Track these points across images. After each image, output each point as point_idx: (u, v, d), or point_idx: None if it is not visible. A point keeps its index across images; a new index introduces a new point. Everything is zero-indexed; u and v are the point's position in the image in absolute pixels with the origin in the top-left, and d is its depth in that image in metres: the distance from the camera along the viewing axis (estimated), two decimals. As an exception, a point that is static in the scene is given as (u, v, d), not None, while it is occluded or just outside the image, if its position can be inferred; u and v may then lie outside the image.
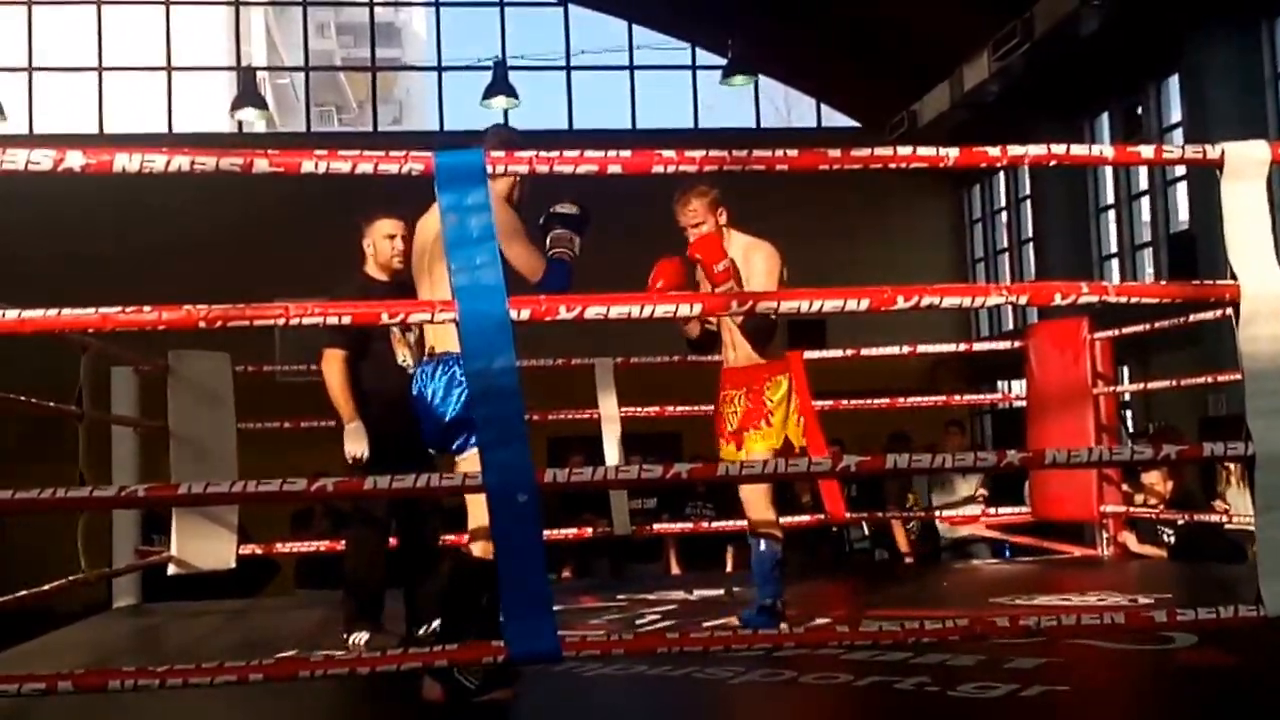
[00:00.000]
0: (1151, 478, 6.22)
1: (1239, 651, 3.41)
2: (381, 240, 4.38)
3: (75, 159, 2.59)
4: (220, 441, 5.54)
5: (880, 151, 2.91)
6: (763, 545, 4.17)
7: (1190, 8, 10.78)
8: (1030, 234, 14.58)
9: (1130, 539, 6.29)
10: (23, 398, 4.37)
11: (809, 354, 6.13)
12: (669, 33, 16.13)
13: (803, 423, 4.38)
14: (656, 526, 6.95)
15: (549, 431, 7.48)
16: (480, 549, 3.21)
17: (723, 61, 14.72)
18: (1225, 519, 5.72)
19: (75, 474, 4.63)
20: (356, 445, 4.21)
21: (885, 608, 4.72)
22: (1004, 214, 15.77)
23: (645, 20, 15.97)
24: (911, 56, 13.94)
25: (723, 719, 3.19)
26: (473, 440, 3.11)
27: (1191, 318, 5.71)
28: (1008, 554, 7.38)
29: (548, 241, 3.32)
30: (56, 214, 13.04)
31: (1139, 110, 12.85)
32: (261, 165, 2.65)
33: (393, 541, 4.43)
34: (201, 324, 2.60)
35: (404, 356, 4.23)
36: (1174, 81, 12.07)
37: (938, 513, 7.31)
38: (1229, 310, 2.95)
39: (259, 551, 6.10)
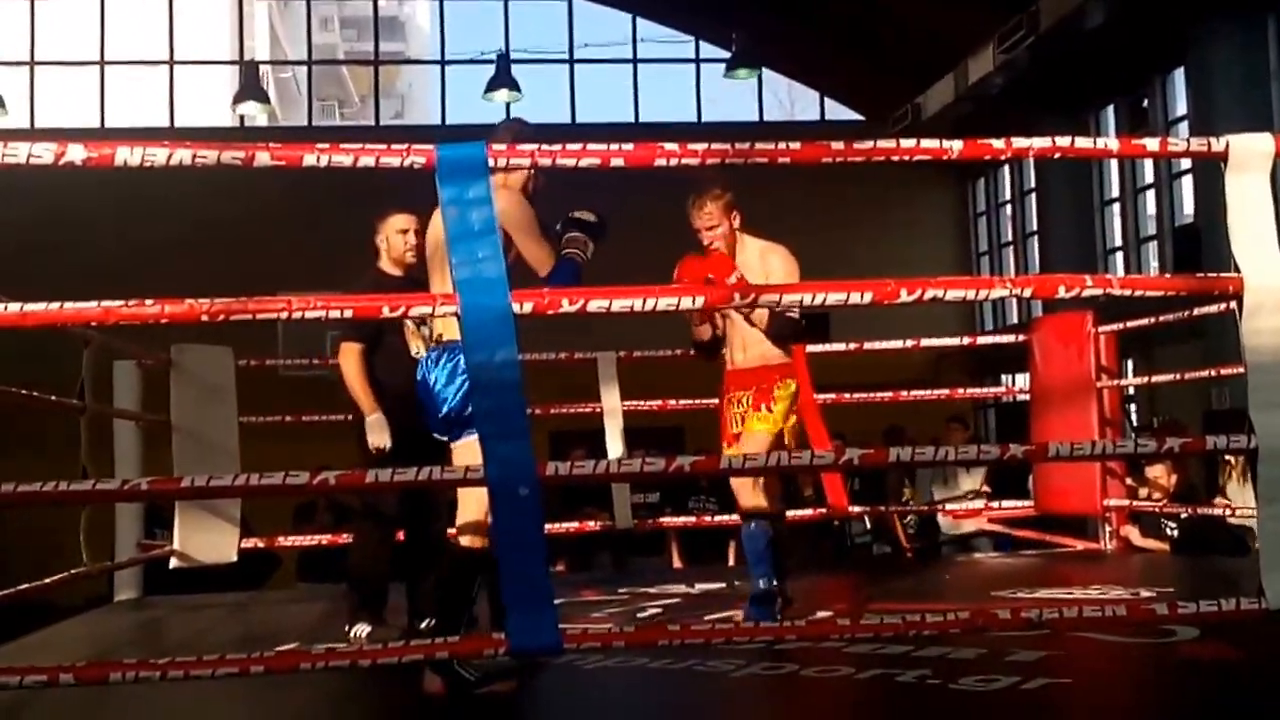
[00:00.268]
0: (1156, 471, 6.21)
1: (1241, 644, 3.40)
2: (394, 235, 4.39)
3: (77, 153, 2.58)
4: (223, 435, 5.54)
5: (884, 144, 2.89)
6: (752, 525, 4.13)
7: (1195, 2, 10.75)
8: (1035, 227, 14.56)
9: (1133, 533, 6.28)
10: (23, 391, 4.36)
11: (812, 348, 6.11)
12: (672, 26, 16.11)
13: (800, 429, 4.35)
14: (658, 520, 6.95)
15: (551, 425, 7.48)
16: (469, 539, 3.22)
17: (726, 55, 14.67)
18: (1229, 513, 5.71)
19: (63, 467, 4.62)
20: (379, 436, 4.20)
21: (886, 601, 4.72)
22: (1008, 207, 15.75)
23: (649, 13, 15.94)
24: (916, 50, 13.91)
25: (724, 712, 3.18)
26: (470, 429, 3.11)
27: (1196, 311, 5.66)
28: (1009, 548, 7.37)
29: (562, 241, 3.33)
30: (58, 208, 13.03)
31: (1144, 104, 12.83)
32: (263, 158, 2.64)
33: (400, 536, 4.44)
34: (204, 318, 2.60)
35: (418, 349, 4.21)
36: (1179, 75, 12.05)
37: (940, 507, 7.30)
38: (1233, 303, 2.94)
39: (261, 545, 6.12)
